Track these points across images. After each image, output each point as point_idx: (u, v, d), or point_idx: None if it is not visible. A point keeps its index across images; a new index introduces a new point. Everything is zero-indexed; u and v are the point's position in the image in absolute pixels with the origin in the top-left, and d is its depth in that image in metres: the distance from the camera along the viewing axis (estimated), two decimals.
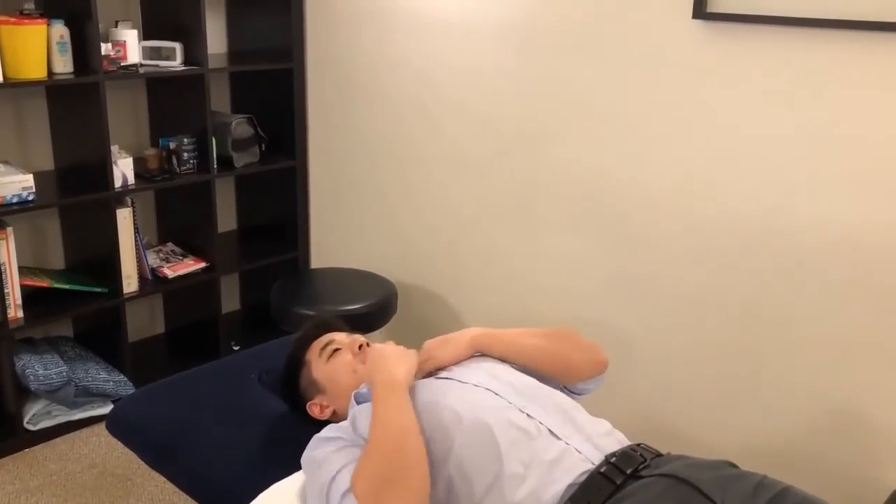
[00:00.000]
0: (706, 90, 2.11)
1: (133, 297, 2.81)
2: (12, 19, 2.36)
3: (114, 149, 2.68)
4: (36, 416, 2.68)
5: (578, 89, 2.37)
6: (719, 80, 2.08)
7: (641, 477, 1.31)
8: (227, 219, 3.39)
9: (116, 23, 2.68)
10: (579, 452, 1.37)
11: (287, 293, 2.76)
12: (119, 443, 1.88)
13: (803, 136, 1.97)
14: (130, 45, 2.65)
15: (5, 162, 2.59)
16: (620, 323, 2.43)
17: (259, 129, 3.07)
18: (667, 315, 2.32)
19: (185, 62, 2.77)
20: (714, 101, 2.10)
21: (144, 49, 2.74)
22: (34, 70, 2.41)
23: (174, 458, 1.73)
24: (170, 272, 2.92)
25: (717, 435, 2.29)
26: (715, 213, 2.17)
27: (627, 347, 2.42)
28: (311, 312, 2.58)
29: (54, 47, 2.46)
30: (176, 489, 1.75)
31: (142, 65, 2.73)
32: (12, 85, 2.41)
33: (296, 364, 1.73)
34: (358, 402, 1.53)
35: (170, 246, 3.10)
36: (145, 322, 3.24)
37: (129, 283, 2.80)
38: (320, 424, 1.60)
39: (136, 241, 2.81)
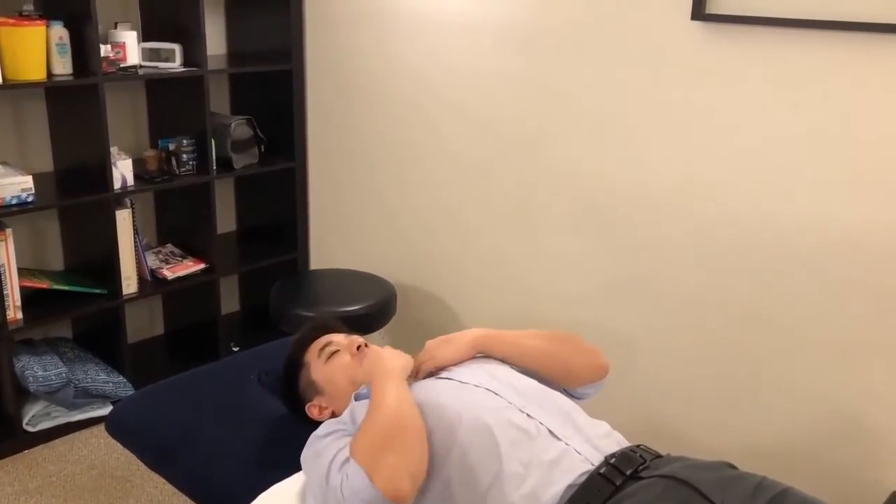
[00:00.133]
0: (705, 91, 2.11)
1: (132, 299, 2.81)
2: (11, 21, 2.36)
3: (113, 150, 2.68)
4: (35, 417, 2.68)
5: (578, 91, 2.37)
6: (718, 82, 2.08)
7: (641, 478, 1.32)
8: (226, 220, 3.39)
9: (116, 24, 2.68)
10: (579, 453, 1.37)
11: (286, 294, 2.77)
12: (118, 444, 1.88)
13: (802, 136, 1.97)
14: (130, 46, 2.65)
15: (4, 163, 2.59)
16: (620, 324, 2.43)
17: (258, 130, 3.07)
18: (666, 316, 2.32)
19: (185, 64, 2.77)
20: (713, 102, 2.10)
21: (144, 50, 2.74)
22: (33, 71, 2.41)
23: (174, 459, 1.73)
24: (169, 273, 2.92)
25: (716, 436, 2.29)
26: (714, 214, 2.17)
27: (627, 348, 2.42)
28: (310, 313, 2.58)
29: (53, 49, 2.46)
30: (175, 490, 1.75)
31: (141, 66, 2.73)
32: (11, 86, 2.41)
33: (295, 365, 1.73)
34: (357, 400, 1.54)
35: (169, 247, 3.10)
36: (145, 323, 3.24)
37: (129, 285, 2.80)
38: (319, 426, 1.60)
39: (135, 242, 2.81)
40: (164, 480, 1.77)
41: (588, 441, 1.41)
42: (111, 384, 2.74)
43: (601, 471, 1.32)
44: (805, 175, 1.99)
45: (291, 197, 3.23)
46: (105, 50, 2.55)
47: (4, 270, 2.50)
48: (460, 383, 1.52)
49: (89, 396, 2.72)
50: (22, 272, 2.62)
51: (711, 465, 1.36)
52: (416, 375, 1.61)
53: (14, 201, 2.45)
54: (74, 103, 2.64)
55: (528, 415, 1.43)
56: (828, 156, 1.94)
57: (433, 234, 2.89)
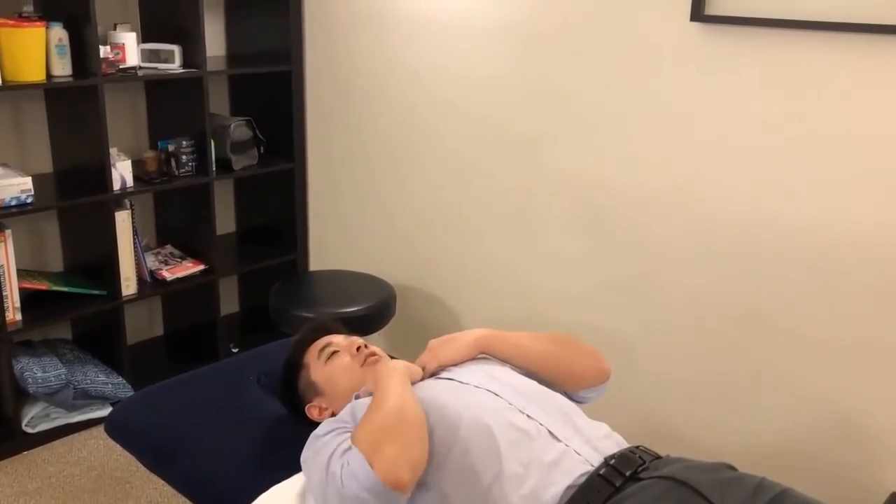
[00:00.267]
0: (704, 92, 2.11)
1: (132, 300, 2.81)
2: (11, 22, 2.36)
3: (112, 151, 2.68)
4: (34, 418, 2.68)
5: (577, 92, 2.37)
6: (717, 82, 2.08)
7: (640, 479, 1.32)
8: (225, 221, 3.40)
9: (115, 25, 2.68)
10: (578, 454, 1.37)
11: (286, 295, 2.76)
12: (118, 445, 1.87)
13: (802, 137, 1.98)
14: (129, 47, 2.65)
15: (4, 165, 2.59)
16: (619, 325, 2.43)
17: (258, 131, 3.07)
18: (666, 316, 2.32)
19: (184, 65, 2.77)
20: (712, 102, 2.11)
21: (143, 52, 2.74)
22: (33, 73, 2.41)
23: (173, 460, 1.73)
24: (168, 274, 2.92)
25: (715, 437, 2.29)
26: (714, 214, 2.17)
27: (626, 349, 2.42)
28: (309, 315, 2.58)
29: (53, 50, 2.46)
30: (175, 492, 1.75)
31: (140, 67, 2.73)
32: (11, 88, 2.41)
33: (294, 367, 1.73)
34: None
35: (168, 248, 3.10)
36: (144, 324, 3.24)
37: (128, 286, 2.80)
38: (319, 426, 1.60)
39: (134, 243, 2.81)
40: (163, 482, 1.77)
41: (588, 442, 1.41)
42: (110, 385, 2.73)
43: (601, 472, 1.33)
44: (804, 176, 1.99)
45: (291, 198, 3.23)
46: (104, 51, 2.55)
47: (4, 272, 2.50)
48: (460, 384, 1.53)
49: (88, 398, 2.72)
50: (21, 273, 2.62)
51: (711, 466, 1.37)
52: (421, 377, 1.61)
53: (13, 202, 2.45)
54: (74, 104, 2.64)
55: (528, 416, 1.43)
56: (827, 156, 1.95)
57: (433, 235, 2.89)
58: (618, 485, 1.30)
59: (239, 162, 3.01)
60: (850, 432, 2.05)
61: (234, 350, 3.15)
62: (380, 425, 1.33)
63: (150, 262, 2.97)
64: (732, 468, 1.39)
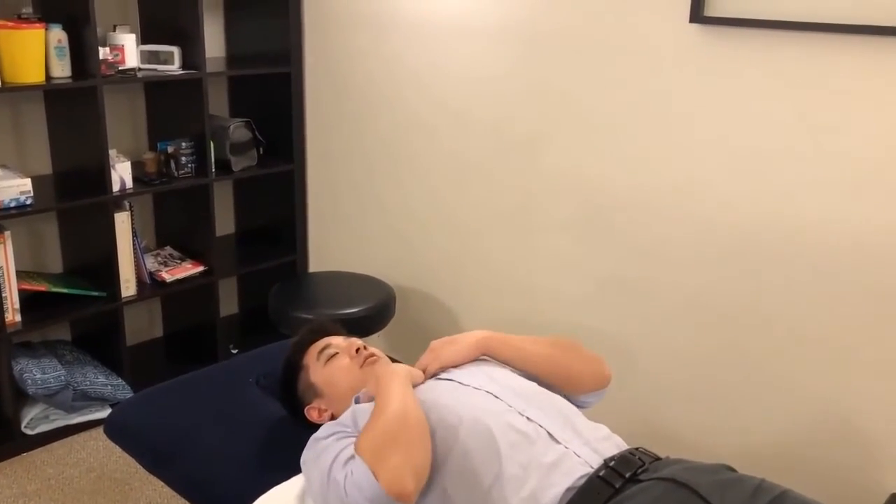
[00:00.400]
0: (704, 93, 2.11)
1: (131, 301, 2.81)
2: (10, 24, 2.36)
3: (112, 153, 2.68)
4: (34, 420, 2.68)
5: (577, 93, 2.37)
6: (717, 83, 2.08)
7: (640, 481, 1.32)
8: (225, 222, 3.39)
9: (114, 27, 2.68)
10: (578, 456, 1.37)
11: (285, 297, 2.76)
12: (117, 447, 1.87)
13: (801, 138, 1.98)
14: (128, 49, 2.65)
15: (3, 166, 2.59)
16: (619, 325, 2.43)
17: (257, 132, 3.07)
18: (665, 317, 2.32)
19: (184, 66, 2.77)
20: (711, 103, 2.11)
21: (142, 53, 2.75)
22: (32, 74, 2.41)
23: (172, 462, 1.73)
24: (168, 276, 2.92)
25: (715, 438, 2.29)
26: (713, 215, 2.17)
27: (626, 350, 2.42)
28: (309, 316, 2.58)
29: (52, 52, 2.46)
30: (174, 493, 1.74)
31: (140, 69, 2.73)
32: (10, 89, 2.41)
33: (293, 368, 1.73)
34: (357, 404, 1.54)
35: (168, 250, 3.10)
36: (143, 326, 3.24)
37: (128, 287, 2.79)
38: (318, 428, 1.60)
39: (134, 244, 2.81)
40: (162, 483, 1.77)
41: (587, 444, 1.41)
42: (110, 387, 2.73)
43: (600, 473, 1.32)
44: (804, 176, 1.99)
45: (290, 199, 3.23)
46: (104, 52, 2.55)
47: (3, 273, 2.50)
48: (460, 385, 1.53)
49: (88, 399, 2.71)
50: (20, 275, 2.62)
51: (710, 467, 1.36)
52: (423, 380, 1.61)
53: (13, 204, 2.45)
54: (73, 106, 2.64)
55: (527, 418, 1.43)
56: (827, 157, 1.95)
57: (432, 237, 2.89)
58: (617, 486, 1.30)
59: (238, 163, 3.01)
60: (849, 433, 2.05)
61: (234, 351, 3.15)
62: (383, 434, 1.33)
63: (150, 263, 2.96)
64: (732, 469, 1.39)
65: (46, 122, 2.77)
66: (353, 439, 1.41)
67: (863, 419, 2.01)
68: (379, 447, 1.31)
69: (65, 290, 2.71)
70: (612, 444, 1.44)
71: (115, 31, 2.67)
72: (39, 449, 2.66)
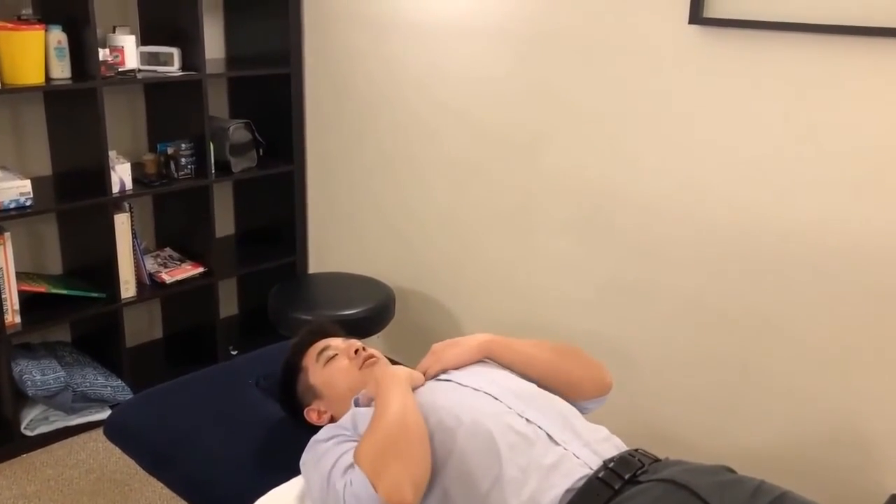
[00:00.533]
0: (703, 94, 2.11)
1: (131, 303, 2.81)
2: (10, 25, 2.36)
3: (112, 154, 2.68)
4: (33, 421, 2.68)
5: (575, 94, 2.37)
6: (716, 85, 2.09)
7: (639, 482, 1.31)
8: (224, 223, 3.39)
9: (114, 28, 2.69)
10: (577, 458, 1.37)
11: (285, 298, 2.76)
12: (117, 448, 1.87)
13: (801, 139, 1.98)
14: (128, 50, 2.65)
15: (3, 167, 2.59)
16: (618, 328, 2.43)
17: (257, 133, 3.07)
18: (665, 319, 2.32)
19: (183, 67, 2.77)
20: (711, 105, 2.11)
21: (142, 54, 2.75)
22: (32, 76, 2.41)
23: (172, 463, 1.73)
24: (167, 277, 2.91)
25: (715, 440, 2.29)
26: (714, 217, 2.17)
27: (625, 352, 2.42)
28: (308, 317, 2.58)
29: (52, 53, 2.47)
30: (174, 495, 1.74)
31: (140, 70, 2.73)
32: (10, 91, 2.41)
33: (292, 370, 1.73)
34: (357, 407, 1.53)
35: (168, 251, 3.10)
36: (143, 327, 3.24)
37: (127, 289, 2.79)
38: (318, 430, 1.59)
39: (133, 246, 2.81)
40: (162, 485, 1.77)
41: (587, 445, 1.41)
42: (109, 388, 2.73)
43: (600, 475, 1.32)
44: (804, 178, 1.99)
45: (290, 200, 3.23)
46: (104, 54, 2.55)
47: (3, 274, 2.50)
48: (460, 386, 1.53)
49: (88, 400, 2.71)
50: (20, 276, 2.62)
51: (710, 468, 1.36)
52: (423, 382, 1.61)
53: (12, 205, 2.45)
54: (73, 107, 2.64)
55: (527, 419, 1.42)
56: (827, 158, 1.95)
57: (432, 238, 2.89)
58: (617, 488, 1.30)
59: (238, 164, 3.01)
60: (849, 434, 2.05)
61: (234, 353, 3.15)
62: (382, 443, 1.32)
63: (149, 264, 2.96)
64: (732, 471, 1.39)
65: (46, 124, 2.77)
66: (353, 444, 1.41)
67: (862, 420, 2.01)
68: (378, 457, 1.30)
69: (64, 292, 2.71)
70: (612, 446, 1.44)
71: (114, 32, 2.67)
72: (39, 450, 2.66)
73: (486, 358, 1.66)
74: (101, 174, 2.62)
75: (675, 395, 2.35)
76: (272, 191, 3.25)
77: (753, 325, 2.15)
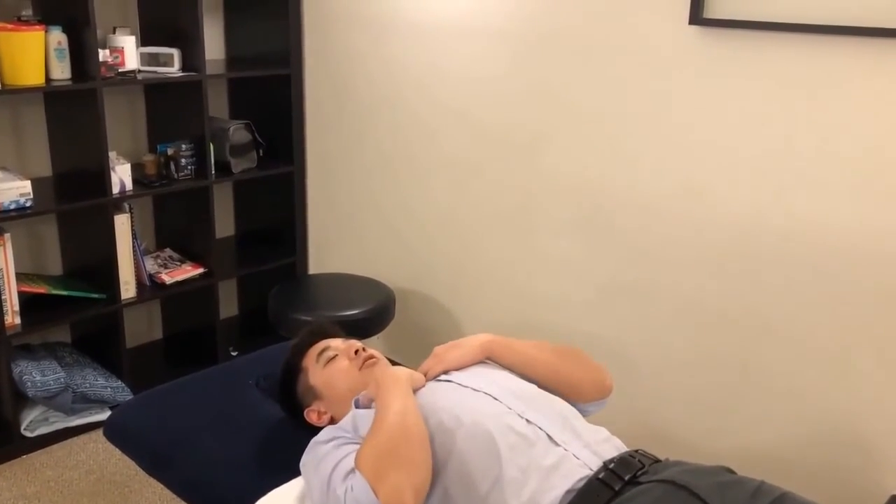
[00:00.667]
0: (703, 95, 2.11)
1: (131, 303, 2.81)
2: (10, 26, 2.36)
3: (112, 155, 2.68)
4: (33, 422, 2.68)
5: (575, 95, 2.37)
6: (716, 85, 2.09)
7: (640, 483, 1.31)
8: (225, 224, 3.39)
9: (114, 29, 2.69)
10: (577, 458, 1.37)
11: (285, 299, 2.76)
12: (117, 449, 1.87)
13: (800, 140, 1.98)
14: (128, 51, 2.65)
15: (3, 168, 2.59)
16: (618, 328, 2.43)
17: (257, 134, 3.07)
18: (665, 320, 2.32)
19: (183, 68, 2.77)
20: (711, 105, 2.11)
21: (142, 55, 2.75)
22: (32, 76, 2.42)
23: (172, 464, 1.73)
24: (168, 278, 2.91)
25: (715, 441, 2.29)
26: (712, 218, 2.17)
27: (625, 353, 2.42)
28: (308, 318, 2.58)
29: (52, 54, 2.47)
30: (174, 496, 1.74)
31: (140, 71, 2.73)
32: (10, 91, 2.41)
33: (293, 371, 1.73)
34: (357, 408, 1.53)
35: (168, 252, 3.10)
36: (143, 328, 3.24)
37: (127, 289, 2.79)
38: (318, 431, 1.59)
39: (133, 247, 2.81)
40: (162, 486, 1.77)
41: (587, 446, 1.41)
42: (109, 389, 2.73)
43: (600, 476, 1.32)
44: (804, 178, 1.99)
45: (290, 201, 3.23)
46: (104, 55, 2.55)
47: (3, 275, 2.50)
48: (460, 387, 1.53)
49: (87, 401, 2.71)
50: (20, 277, 2.62)
51: (710, 469, 1.36)
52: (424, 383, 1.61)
53: (12, 206, 2.45)
54: (73, 108, 2.64)
55: (527, 420, 1.42)
56: (827, 159, 1.95)
57: (432, 238, 2.89)
58: (617, 489, 1.30)
59: (238, 165, 3.01)
60: (849, 435, 2.04)
61: (234, 353, 3.15)
62: (384, 448, 1.32)
63: (150, 265, 2.96)
64: (732, 471, 1.39)
65: (46, 124, 2.77)
66: (353, 446, 1.41)
67: (863, 420, 2.01)
68: (379, 463, 1.30)
69: (64, 293, 2.71)
70: (612, 447, 1.44)
71: (114, 33, 2.67)
72: (39, 451, 2.66)
73: (487, 358, 1.66)
74: (102, 175, 2.62)
75: (675, 395, 2.35)
76: (272, 191, 3.25)
77: (753, 326, 2.15)
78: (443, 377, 1.59)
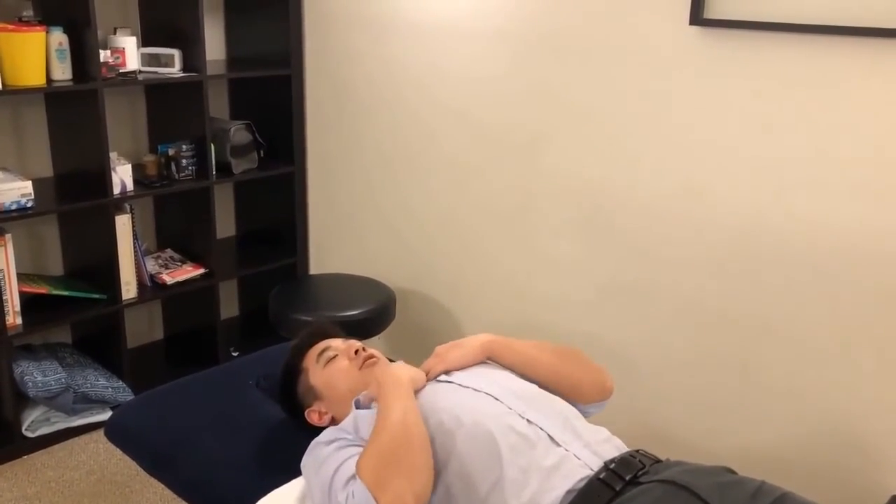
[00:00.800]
0: (703, 95, 2.11)
1: (132, 304, 2.82)
2: (11, 26, 2.36)
3: (112, 155, 2.68)
4: (34, 422, 2.68)
5: (575, 95, 2.37)
6: (717, 86, 2.09)
7: (640, 483, 1.31)
8: (225, 225, 3.40)
9: (115, 30, 2.69)
10: (578, 459, 1.37)
11: (285, 299, 2.76)
12: (118, 449, 1.87)
13: (801, 140, 1.98)
14: (129, 51, 2.65)
15: (4, 169, 2.60)
16: (618, 328, 2.43)
17: (257, 135, 3.07)
18: (665, 320, 2.32)
19: (184, 69, 2.77)
20: (711, 106, 2.11)
21: (143, 56, 2.75)
22: (33, 77, 2.42)
23: (173, 464, 1.73)
24: (168, 278, 2.92)
25: (715, 441, 2.29)
26: (712, 218, 2.17)
27: (626, 353, 2.42)
28: (309, 318, 2.58)
29: (53, 54, 2.47)
30: (175, 496, 1.75)
31: (140, 71, 2.73)
32: (11, 92, 2.41)
33: (293, 372, 1.73)
34: (358, 409, 1.53)
35: (168, 252, 3.10)
36: (144, 328, 3.24)
37: (128, 290, 2.80)
38: (319, 431, 1.60)
39: (134, 247, 2.81)
40: (163, 486, 1.77)
41: (587, 446, 1.41)
42: (110, 389, 2.73)
43: (601, 476, 1.32)
44: (804, 178, 1.99)
45: (291, 201, 3.24)
46: (104, 55, 2.55)
47: (4, 276, 2.50)
48: (461, 387, 1.53)
49: (88, 402, 2.71)
50: (21, 277, 2.62)
51: (711, 469, 1.36)
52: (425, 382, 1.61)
53: (13, 206, 2.45)
54: (74, 109, 2.64)
55: (528, 420, 1.43)
56: (827, 159, 1.95)
57: (432, 239, 2.89)
58: (618, 489, 1.30)
59: (239, 165, 3.01)
60: (850, 435, 2.04)
61: (234, 354, 3.15)
62: (384, 453, 1.32)
63: (151, 265, 2.97)
64: (732, 472, 1.39)
65: (47, 125, 2.77)
66: (355, 449, 1.41)
67: (863, 421, 2.01)
68: (380, 470, 1.30)
69: (65, 293, 2.71)
70: (613, 447, 1.44)
71: (115, 33, 2.67)
72: (40, 451, 2.66)
73: (488, 358, 1.66)
74: (102, 175, 2.63)
75: (675, 395, 2.35)
76: (273, 192, 3.26)
77: (753, 326, 2.15)
78: (443, 378, 1.59)
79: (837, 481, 2.07)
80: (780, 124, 2.00)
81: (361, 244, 3.15)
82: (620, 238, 2.37)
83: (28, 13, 2.44)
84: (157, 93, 2.98)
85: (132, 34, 2.70)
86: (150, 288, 2.91)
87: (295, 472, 1.54)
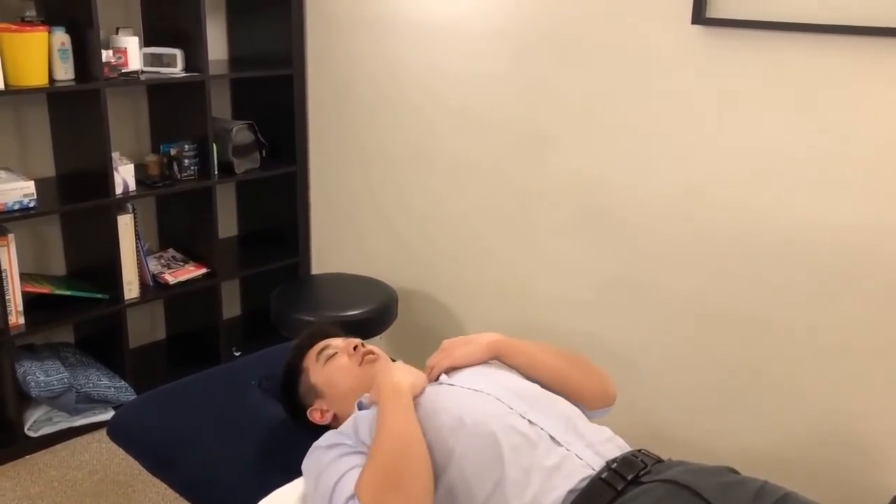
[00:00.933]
0: (705, 95, 2.11)
1: (134, 304, 2.82)
2: (13, 26, 2.36)
3: (115, 155, 2.68)
4: (37, 422, 2.68)
5: (576, 95, 2.37)
6: (718, 85, 2.08)
7: (642, 483, 1.31)
8: (227, 225, 3.40)
9: (117, 30, 2.69)
10: (580, 458, 1.37)
11: (287, 299, 2.77)
12: (120, 449, 1.88)
13: (802, 139, 1.98)
14: (131, 51, 2.66)
15: (6, 169, 2.60)
16: (620, 329, 2.43)
17: (260, 135, 3.08)
18: (665, 320, 2.32)
19: (186, 69, 2.78)
20: (712, 106, 2.11)
21: (145, 56, 2.75)
22: (35, 77, 2.42)
23: (175, 464, 1.73)
24: (171, 278, 2.92)
25: (717, 441, 2.29)
26: (714, 218, 2.17)
27: (627, 353, 2.42)
28: (311, 318, 2.58)
29: (55, 54, 2.47)
30: (177, 496, 1.75)
31: (143, 71, 2.74)
32: (13, 92, 2.42)
33: (294, 372, 1.73)
34: (360, 409, 1.54)
35: (171, 252, 3.11)
36: (146, 328, 3.25)
37: (130, 290, 2.80)
38: (320, 430, 1.60)
39: (137, 247, 2.82)
40: (165, 486, 1.77)
41: (589, 446, 1.41)
42: (113, 389, 2.74)
43: (602, 476, 1.32)
44: (805, 179, 1.99)
45: (293, 201, 3.24)
46: (107, 55, 2.56)
47: (6, 275, 2.51)
48: (462, 388, 1.53)
49: (91, 401, 2.72)
50: (24, 277, 2.62)
51: (713, 469, 1.36)
52: (429, 379, 1.60)
53: (16, 206, 2.46)
54: (76, 109, 2.64)
55: (529, 421, 1.42)
56: (829, 159, 1.95)
57: (434, 239, 2.89)
58: (620, 488, 1.30)
59: (241, 165, 3.02)
60: (852, 435, 2.04)
61: (237, 354, 3.15)
62: (383, 475, 1.31)
63: (153, 265, 2.97)
64: (735, 472, 1.39)
65: (50, 125, 2.78)
66: (356, 457, 1.41)
67: (865, 421, 2.01)
68: (380, 491, 1.29)
69: (68, 293, 2.72)
70: (615, 446, 1.44)
71: (118, 33, 2.68)
72: (42, 451, 2.67)
73: (494, 358, 1.66)
74: (105, 175, 2.63)
75: (676, 395, 2.35)
76: (275, 192, 3.26)
77: (754, 326, 2.15)
78: (445, 381, 1.58)
79: (838, 481, 2.07)
80: (781, 124, 2.00)
81: (363, 244, 3.15)
82: (621, 237, 2.37)
83: (31, 13, 2.44)
84: (160, 93, 2.98)
85: (134, 34, 2.70)
86: (153, 288, 2.91)
87: (296, 473, 1.54)
